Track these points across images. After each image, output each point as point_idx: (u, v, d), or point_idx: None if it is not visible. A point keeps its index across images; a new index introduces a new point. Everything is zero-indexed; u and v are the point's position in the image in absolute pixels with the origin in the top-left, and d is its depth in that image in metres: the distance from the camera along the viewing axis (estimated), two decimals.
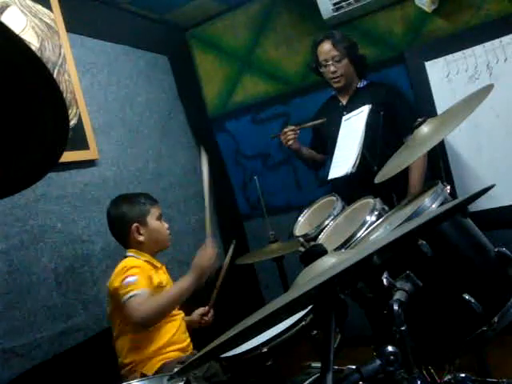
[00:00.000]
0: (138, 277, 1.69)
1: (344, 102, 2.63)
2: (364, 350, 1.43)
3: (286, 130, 2.56)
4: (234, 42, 3.30)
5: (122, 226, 1.86)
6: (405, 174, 2.43)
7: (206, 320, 2.03)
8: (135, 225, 1.83)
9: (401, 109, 2.52)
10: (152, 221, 1.87)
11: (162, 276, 1.88)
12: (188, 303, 1.88)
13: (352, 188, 2.23)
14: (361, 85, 2.61)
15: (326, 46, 2.51)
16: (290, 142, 2.55)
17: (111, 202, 1.92)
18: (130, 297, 1.65)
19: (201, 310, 2.04)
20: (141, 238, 1.84)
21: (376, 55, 2.91)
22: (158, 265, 1.90)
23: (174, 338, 1.81)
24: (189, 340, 1.92)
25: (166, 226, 1.94)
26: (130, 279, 1.68)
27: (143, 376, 1.67)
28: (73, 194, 2.14)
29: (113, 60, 2.64)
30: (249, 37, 3.25)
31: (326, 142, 2.65)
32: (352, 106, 2.43)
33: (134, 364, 1.75)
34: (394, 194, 2.19)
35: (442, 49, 2.72)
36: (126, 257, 1.84)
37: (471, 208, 2.37)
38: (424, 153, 1.51)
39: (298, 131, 2.56)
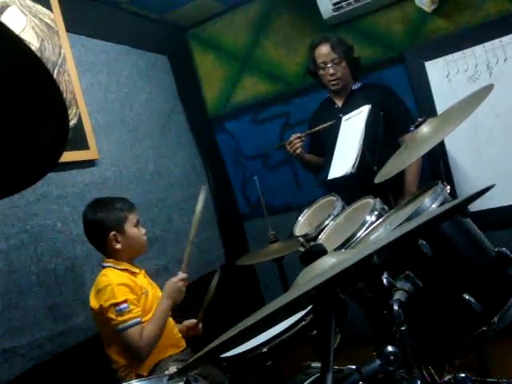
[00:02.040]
0: (129, 303, 1.68)
1: (340, 103, 2.65)
2: (364, 350, 1.43)
3: (292, 138, 2.51)
4: (233, 42, 3.30)
5: (100, 234, 1.81)
6: (400, 173, 2.43)
7: (193, 333, 1.98)
8: (113, 233, 1.78)
9: (396, 110, 2.53)
10: (129, 228, 1.82)
11: (141, 281, 1.85)
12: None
13: (351, 188, 2.23)
14: (355, 86, 2.63)
15: (325, 49, 2.53)
16: (299, 151, 2.51)
17: (88, 207, 1.85)
18: (128, 327, 1.66)
19: (188, 322, 1.99)
20: (118, 246, 1.79)
21: (376, 55, 2.92)
22: (137, 270, 1.86)
23: (165, 335, 1.79)
24: (180, 334, 1.92)
25: (144, 231, 1.90)
26: (123, 306, 1.66)
27: (139, 376, 1.67)
28: (73, 193, 2.14)
29: (113, 60, 2.64)
30: (249, 37, 3.25)
31: (323, 145, 2.65)
32: (348, 108, 2.44)
33: (127, 366, 1.74)
34: (391, 193, 2.19)
35: (442, 49, 2.72)
36: (103, 267, 1.80)
37: (471, 208, 2.36)
38: (424, 153, 1.51)
39: (304, 138, 2.53)
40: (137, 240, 1.86)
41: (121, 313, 1.66)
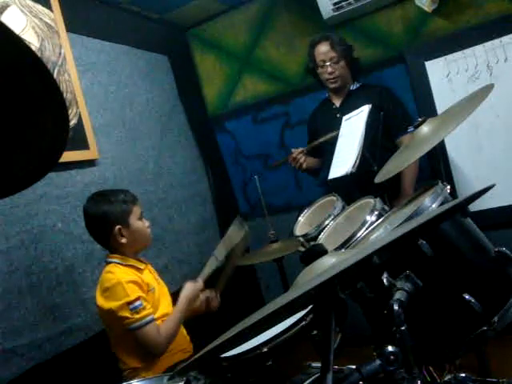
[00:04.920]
0: (142, 300, 1.66)
1: (337, 103, 2.66)
2: (364, 350, 1.43)
3: (294, 155, 2.51)
4: (234, 42, 3.30)
5: (103, 228, 1.76)
6: (397, 174, 2.44)
7: (213, 306, 1.93)
8: (118, 227, 1.74)
9: (394, 111, 2.53)
10: (134, 221, 1.78)
11: (147, 277, 1.82)
12: None
13: (348, 188, 2.23)
14: (354, 87, 2.64)
15: (324, 47, 2.54)
16: (304, 165, 2.52)
17: (89, 199, 1.79)
18: (145, 324, 1.63)
19: (207, 292, 1.90)
20: (123, 241, 1.75)
21: (376, 55, 2.91)
22: (142, 266, 1.83)
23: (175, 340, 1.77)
24: (188, 338, 1.91)
25: (147, 224, 1.86)
26: (137, 304, 1.63)
27: None
28: (73, 193, 2.14)
29: (113, 60, 2.64)
30: (249, 37, 3.25)
31: (321, 146, 2.65)
32: (346, 108, 2.45)
33: (137, 369, 1.72)
34: (387, 193, 2.19)
35: (442, 49, 2.72)
36: (108, 263, 1.77)
37: (471, 208, 2.37)
38: (424, 152, 1.51)
39: (305, 151, 2.53)
40: (141, 233, 1.82)
41: (136, 310, 1.63)
